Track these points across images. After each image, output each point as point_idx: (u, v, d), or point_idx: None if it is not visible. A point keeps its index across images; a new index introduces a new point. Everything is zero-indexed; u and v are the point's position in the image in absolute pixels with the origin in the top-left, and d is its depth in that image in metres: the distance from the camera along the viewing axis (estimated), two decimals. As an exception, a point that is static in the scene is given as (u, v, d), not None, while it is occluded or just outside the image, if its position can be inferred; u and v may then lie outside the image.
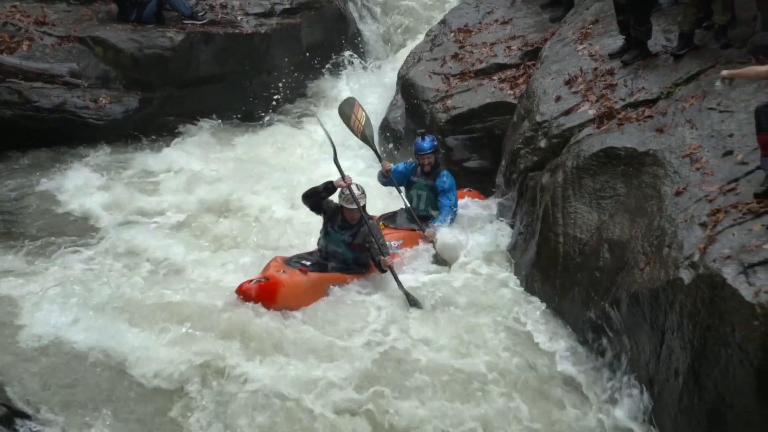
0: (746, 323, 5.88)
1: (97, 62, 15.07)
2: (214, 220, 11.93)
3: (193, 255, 10.80)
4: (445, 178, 11.34)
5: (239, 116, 16.43)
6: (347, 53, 18.13)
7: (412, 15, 19.80)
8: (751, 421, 5.91)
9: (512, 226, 11.01)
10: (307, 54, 17.60)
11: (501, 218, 11.37)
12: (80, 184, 12.87)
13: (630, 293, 7.57)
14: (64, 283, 9.57)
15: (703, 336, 6.33)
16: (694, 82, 9.44)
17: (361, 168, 13.20)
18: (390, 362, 8.25)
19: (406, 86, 14.40)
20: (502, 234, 11.05)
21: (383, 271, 9.81)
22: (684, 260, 6.86)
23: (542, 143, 10.46)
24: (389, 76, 16.57)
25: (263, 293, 8.99)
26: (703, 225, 7.04)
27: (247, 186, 12.79)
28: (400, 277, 9.88)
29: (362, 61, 18.22)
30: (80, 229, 11.62)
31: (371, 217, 10.25)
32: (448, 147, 12.67)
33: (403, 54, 17.19)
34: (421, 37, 16.94)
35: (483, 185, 12.34)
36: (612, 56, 10.93)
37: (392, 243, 10.62)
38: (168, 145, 14.96)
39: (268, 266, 9.51)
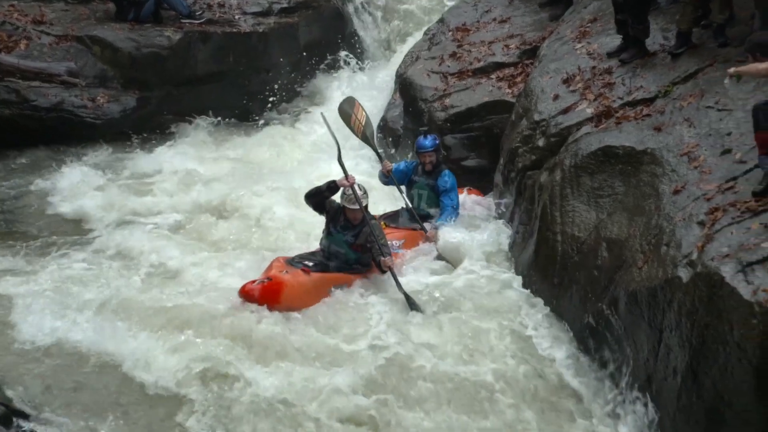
0: (744, 322, 5.88)
1: (95, 61, 15.08)
2: (212, 221, 11.90)
3: (192, 256, 10.74)
4: (447, 178, 11.33)
5: (237, 115, 16.42)
6: (345, 52, 18.13)
7: (412, 17, 19.76)
8: (750, 420, 5.91)
9: (511, 225, 11.00)
10: (305, 53, 17.59)
11: (500, 217, 11.35)
12: (78, 184, 12.88)
13: (628, 292, 7.56)
14: (63, 284, 9.59)
15: (702, 334, 6.32)
16: (692, 81, 9.44)
17: (364, 168, 13.10)
18: (393, 368, 8.13)
19: (404, 85, 14.40)
20: (503, 233, 11.01)
21: (383, 272, 9.77)
22: (682, 259, 6.86)
23: (540, 142, 10.46)
24: (387, 74, 16.56)
25: (267, 294, 8.96)
26: (702, 223, 7.03)
27: (245, 186, 12.76)
28: (402, 278, 9.85)
29: (360, 60, 18.21)
30: (78, 230, 11.64)
31: (373, 217, 10.22)
32: (447, 146, 12.67)
33: (401, 53, 17.18)
34: (419, 36, 16.93)
35: (481, 184, 12.34)
36: (610, 55, 10.92)
37: (394, 243, 10.58)
38: (165, 145, 14.97)
39: (270, 267, 9.47)
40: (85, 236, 11.32)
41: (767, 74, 7.12)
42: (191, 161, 14.14)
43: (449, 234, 10.81)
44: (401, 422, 7.52)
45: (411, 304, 9.39)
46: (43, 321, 8.64)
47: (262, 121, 16.41)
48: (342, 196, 9.83)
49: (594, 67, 10.90)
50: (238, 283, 9.36)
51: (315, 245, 10.37)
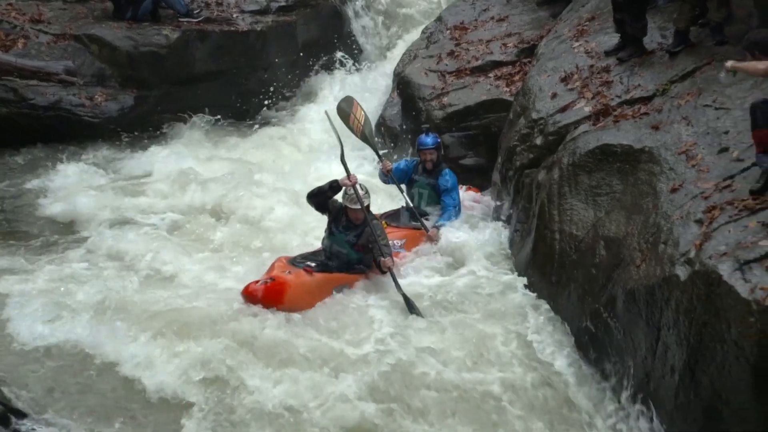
0: (742, 320, 5.88)
1: (93, 60, 15.09)
2: (211, 222, 11.87)
3: (191, 257, 10.68)
4: (448, 177, 11.31)
5: (235, 114, 16.41)
6: (343, 51, 18.12)
7: (412, 20, 19.74)
8: (747, 418, 5.91)
9: (509, 224, 11.00)
10: (303, 52, 17.59)
11: (498, 217, 11.34)
12: (76, 184, 12.87)
13: (626, 290, 7.57)
14: (61, 284, 9.55)
15: (699, 333, 6.33)
16: (690, 79, 9.45)
17: (367, 170, 12.95)
18: (397, 375, 7.96)
19: (402, 84, 14.42)
20: (504, 233, 10.98)
21: (384, 272, 9.71)
22: (680, 257, 6.86)
23: (538, 140, 10.46)
24: (385, 73, 16.55)
25: (270, 294, 8.92)
26: (699, 222, 7.04)
27: (244, 186, 12.68)
28: (402, 278, 9.82)
29: (358, 59, 18.20)
30: (76, 230, 11.60)
31: (375, 217, 10.20)
32: (445, 144, 12.63)
33: (399, 51, 17.17)
34: (416, 35, 16.92)
35: (479, 182, 12.36)
36: (608, 53, 10.92)
37: (395, 242, 10.54)
38: (163, 144, 14.96)
39: (272, 267, 9.44)
40: (83, 236, 11.27)
41: (765, 74, 7.13)
42: (189, 160, 14.08)
43: (451, 234, 10.79)
44: (406, 433, 7.44)
45: (410, 307, 9.31)
46: (40, 321, 8.59)
47: (260, 120, 16.42)
48: (344, 196, 9.78)
49: (592, 66, 10.91)
50: (238, 285, 9.34)
51: (315, 245, 10.36)
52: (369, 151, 12.26)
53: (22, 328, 8.52)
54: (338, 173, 10.14)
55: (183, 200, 12.63)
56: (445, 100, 13.30)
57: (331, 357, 8.31)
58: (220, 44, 16.21)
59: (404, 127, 14.04)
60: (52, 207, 12.12)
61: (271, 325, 8.66)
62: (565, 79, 10.91)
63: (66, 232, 11.46)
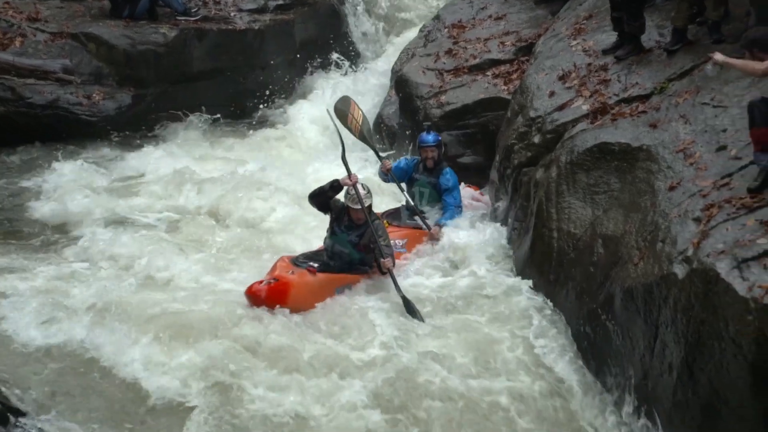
0: (740, 318, 5.88)
1: (90, 58, 15.10)
2: (210, 223, 11.82)
3: (190, 258, 10.58)
4: (449, 176, 11.29)
5: (232, 113, 16.40)
6: (341, 49, 18.12)
7: (410, 23, 19.75)
8: (745, 416, 5.92)
9: (507, 223, 10.98)
10: (301, 50, 17.59)
11: (497, 214, 11.33)
12: (74, 183, 12.76)
13: (624, 288, 7.57)
14: (60, 285, 9.51)
15: (697, 330, 6.33)
16: (688, 78, 9.45)
17: (371, 172, 12.65)
18: (401, 382, 7.84)
19: (399, 82, 14.42)
20: (504, 232, 10.90)
21: (384, 273, 9.66)
22: (678, 255, 6.86)
23: (536, 139, 10.46)
24: (383, 71, 16.54)
25: (274, 294, 8.90)
26: (697, 220, 7.04)
27: (242, 186, 12.62)
28: (404, 278, 9.78)
29: (355, 57, 18.20)
30: (74, 229, 11.49)
31: (377, 216, 10.17)
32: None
33: (396, 49, 17.17)
34: (415, 33, 16.93)
35: (477, 181, 12.35)
36: (605, 52, 10.93)
37: (397, 242, 10.48)
38: (160, 143, 14.97)
39: (275, 267, 9.40)
40: (81, 236, 11.15)
41: (761, 74, 7.13)
42: (186, 160, 14.04)
43: (452, 234, 10.77)
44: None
45: (409, 310, 9.22)
46: (38, 322, 8.56)
47: (257, 119, 16.43)
48: (346, 196, 9.74)
49: (589, 64, 10.91)
50: (237, 287, 9.33)
51: (316, 244, 10.33)
52: (371, 152, 12.24)
53: (20, 328, 8.48)
54: (338, 173, 10.10)
55: (180, 200, 12.59)
56: (443, 98, 13.31)
57: (335, 362, 8.21)
58: (217, 43, 16.21)
59: (402, 125, 14.04)
60: (50, 207, 12.03)
61: (274, 329, 8.57)
62: (562, 78, 10.91)
63: (63, 231, 11.39)
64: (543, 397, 7.88)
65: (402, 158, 12.23)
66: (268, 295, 8.89)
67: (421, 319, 9.13)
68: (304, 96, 17.32)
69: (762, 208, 6.65)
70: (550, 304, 9.18)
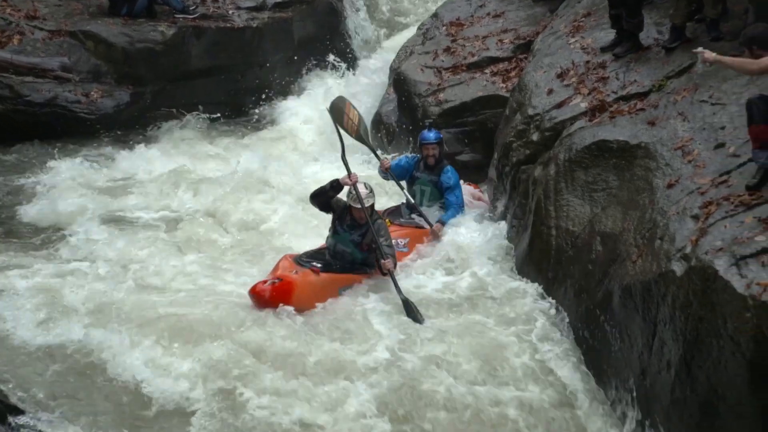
0: (738, 315, 5.88)
1: (89, 56, 15.12)
2: (209, 222, 11.72)
3: (189, 258, 10.50)
4: (450, 174, 11.25)
5: (231, 111, 16.42)
6: (339, 47, 18.11)
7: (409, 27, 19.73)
8: (743, 413, 5.91)
9: (505, 220, 10.96)
10: (299, 48, 17.60)
11: (495, 212, 11.31)
12: (72, 182, 12.76)
13: (622, 286, 7.57)
14: (57, 285, 9.42)
15: (696, 328, 6.33)
16: (686, 75, 9.45)
17: (371, 170, 12.42)
18: (407, 390, 7.72)
19: (398, 80, 14.41)
20: (505, 231, 10.81)
21: (384, 274, 9.57)
22: (676, 252, 6.86)
23: (534, 136, 10.46)
24: (381, 69, 16.53)
25: (277, 294, 8.87)
26: (695, 217, 7.04)
27: (241, 186, 12.56)
28: (406, 279, 9.74)
29: (354, 55, 18.19)
30: (72, 229, 11.30)
31: (379, 216, 10.13)
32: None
33: (395, 47, 17.15)
34: (413, 31, 16.92)
35: (475, 178, 12.34)
36: (604, 49, 10.93)
37: (399, 241, 10.42)
38: (159, 141, 14.97)
39: (278, 266, 9.37)
40: (79, 236, 11.05)
41: (757, 73, 7.13)
42: (184, 158, 14.03)
43: (454, 233, 10.74)
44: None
45: (409, 312, 9.10)
46: (35, 321, 8.50)
47: (256, 117, 16.43)
48: (348, 195, 9.71)
49: (588, 62, 10.91)
50: (238, 289, 9.31)
51: (317, 243, 10.28)
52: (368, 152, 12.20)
53: (17, 327, 8.43)
54: (339, 172, 10.07)
55: (179, 200, 12.56)
56: (441, 96, 13.31)
57: (339, 368, 8.07)
58: (215, 41, 16.23)
59: (401, 123, 14.04)
60: (48, 205, 11.96)
61: (278, 333, 8.47)
62: (561, 75, 10.91)
63: (61, 231, 11.27)
64: (551, 407, 7.72)
65: (402, 156, 12.19)
66: (272, 295, 8.86)
67: (422, 320, 9.03)
68: (302, 94, 17.33)
69: (760, 205, 6.65)
70: (553, 302, 9.11)
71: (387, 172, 11.37)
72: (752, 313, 5.78)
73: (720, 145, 7.84)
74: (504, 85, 13.00)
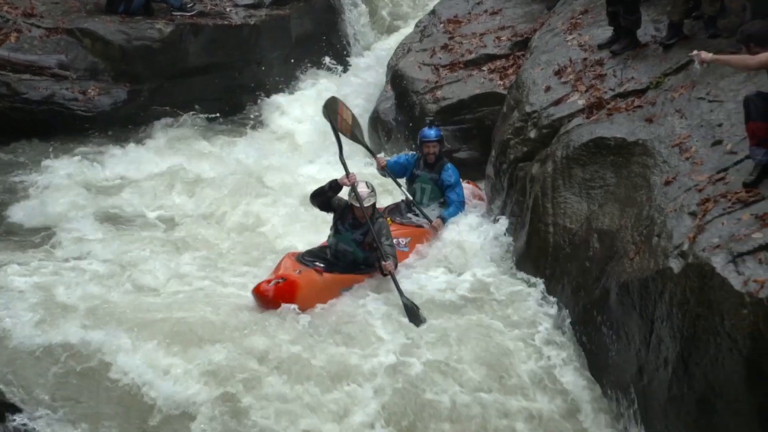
0: (735, 312, 5.88)
1: (86, 54, 15.10)
2: (207, 222, 11.71)
3: (187, 259, 10.39)
4: (451, 172, 11.22)
5: (228, 108, 16.42)
6: (336, 44, 18.10)
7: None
8: (740, 410, 5.92)
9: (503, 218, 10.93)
10: (297, 46, 17.60)
11: (493, 210, 11.30)
12: (69, 180, 12.76)
13: (620, 283, 7.57)
14: (55, 284, 9.34)
15: (693, 325, 6.33)
16: (684, 72, 9.44)
17: (371, 170, 12.24)
18: (410, 397, 7.62)
19: (395, 77, 14.40)
20: (506, 230, 10.67)
21: (385, 275, 9.50)
22: (673, 249, 6.87)
23: (532, 133, 10.45)
24: (379, 67, 16.53)
25: (281, 294, 8.82)
26: (693, 214, 7.04)
27: (239, 185, 12.57)
28: (409, 279, 9.68)
29: (351, 52, 18.18)
30: (70, 228, 11.23)
31: (381, 215, 10.09)
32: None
33: (393, 44, 17.15)
34: (411, 28, 16.91)
35: (473, 176, 12.33)
36: (601, 46, 10.93)
37: (400, 241, 10.37)
38: (156, 139, 14.95)
39: (281, 265, 9.34)
40: (76, 235, 10.99)
41: (756, 68, 7.13)
42: (182, 157, 14.02)
43: (455, 232, 10.71)
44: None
45: (411, 316, 8.99)
46: (33, 321, 8.39)
47: (253, 115, 16.39)
48: (349, 194, 9.67)
49: (585, 59, 10.91)
50: (238, 290, 9.29)
51: (317, 241, 10.23)
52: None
53: (13, 327, 8.31)
54: (337, 168, 10.04)
55: (176, 199, 12.51)
56: (439, 93, 13.30)
57: (344, 373, 7.96)
58: (213, 38, 16.22)
59: (398, 120, 14.03)
60: (45, 204, 11.92)
61: (281, 336, 8.36)
62: (558, 73, 10.91)
63: (58, 230, 11.17)
64: (558, 419, 7.61)
65: (402, 154, 12.17)
66: (276, 295, 8.82)
67: (424, 321, 8.94)
68: (300, 91, 17.33)
69: (757, 202, 6.65)
70: (554, 301, 9.03)
71: (383, 170, 11.36)
72: (749, 310, 5.79)
73: (717, 142, 7.85)
74: (501, 83, 13.00)
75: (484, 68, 13.59)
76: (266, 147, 15.06)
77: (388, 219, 10.62)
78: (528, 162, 10.36)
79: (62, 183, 12.60)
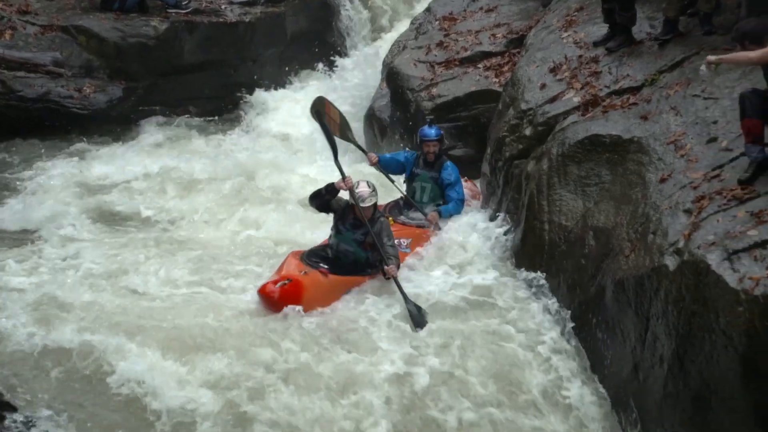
0: (730, 309, 5.90)
1: (81, 51, 15.07)
2: (205, 222, 11.60)
3: (186, 260, 10.18)
4: (450, 170, 11.21)
5: (223, 105, 16.41)
6: (332, 42, 18.08)
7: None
8: (736, 407, 5.94)
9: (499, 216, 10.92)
10: (292, 43, 17.58)
11: (489, 208, 11.28)
12: (65, 177, 12.72)
13: (615, 280, 7.58)
14: (52, 284, 9.20)
15: (688, 322, 6.34)
16: (679, 69, 9.47)
17: (371, 169, 12.08)
18: (417, 412, 7.52)
19: (391, 74, 14.39)
20: (505, 228, 10.61)
21: (388, 279, 9.42)
22: (669, 247, 6.88)
23: (527, 131, 10.45)
24: (374, 64, 16.51)
25: (287, 295, 8.78)
26: (688, 212, 7.06)
27: (237, 185, 12.51)
28: (410, 282, 9.58)
29: (347, 50, 18.16)
30: (65, 227, 11.10)
31: (383, 214, 10.04)
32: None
33: (388, 42, 17.14)
34: (406, 25, 16.90)
35: (468, 173, 12.33)
36: (597, 44, 10.94)
37: (401, 241, 10.31)
38: (151, 136, 14.94)
39: (283, 265, 9.29)
40: (71, 235, 10.89)
41: (757, 62, 7.14)
42: (177, 155, 13.96)
43: (456, 233, 10.68)
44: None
45: (415, 321, 8.86)
46: (27, 323, 8.25)
47: (248, 112, 16.38)
48: (350, 194, 9.61)
49: (581, 56, 10.91)
50: (234, 293, 9.23)
51: (318, 239, 10.19)
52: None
53: (8, 328, 8.18)
54: (332, 168, 9.96)
55: (172, 199, 12.36)
56: (434, 91, 13.29)
57: (350, 382, 7.84)
58: (208, 35, 16.19)
59: (393, 118, 14.01)
60: (40, 203, 11.80)
61: (287, 346, 8.23)
62: (554, 70, 10.91)
63: (53, 229, 10.99)
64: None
65: (401, 151, 12.12)
66: (282, 296, 8.77)
67: (425, 323, 8.85)
68: (295, 88, 17.28)
69: (753, 199, 6.67)
70: (556, 303, 8.94)
71: (375, 166, 11.34)
72: (744, 307, 5.80)
73: (712, 140, 7.86)
74: (497, 80, 12.99)
75: (480, 65, 13.57)
76: (262, 144, 15.04)
77: (390, 218, 10.58)
78: (523, 159, 10.37)
79: (57, 181, 12.55)
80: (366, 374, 7.98)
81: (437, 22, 15.38)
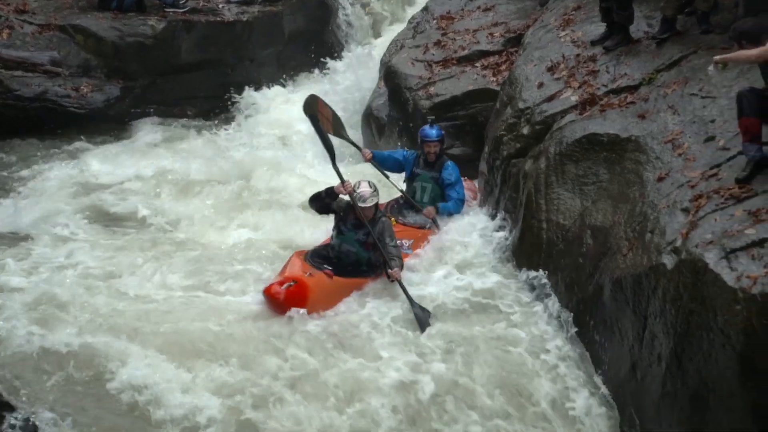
0: (728, 308, 5.90)
1: (78, 50, 15.06)
2: (204, 223, 11.52)
3: (185, 261, 10.14)
4: (451, 170, 11.18)
5: (221, 105, 16.37)
6: (330, 41, 18.08)
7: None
8: (734, 406, 5.94)
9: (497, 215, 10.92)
10: (290, 42, 17.57)
11: (487, 207, 11.28)
12: (62, 177, 12.73)
13: (613, 279, 7.59)
14: (51, 285, 9.11)
15: (686, 321, 6.35)
16: (676, 68, 9.47)
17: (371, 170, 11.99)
18: (423, 423, 7.44)
19: (388, 73, 14.37)
20: (505, 228, 10.57)
21: (392, 281, 9.37)
22: (666, 246, 6.89)
23: (525, 130, 10.46)
24: (372, 63, 16.51)
25: (292, 297, 8.74)
26: (686, 210, 7.06)
27: (236, 185, 12.49)
28: (411, 282, 9.51)
29: (344, 49, 18.15)
30: (61, 228, 11.08)
31: (384, 214, 10.04)
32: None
33: (385, 41, 17.13)
34: (404, 25, 16.90)
35: (466, 172, 12.31)
36: (594, 43, 10.94)
37: (403, 242, 10.29)
38: (149, 136, 14.93)
39: (287, 266, 9.26)
40: (68, 235, 10.85)
41: (756, 60, 7.15)
42: (175, 155, 13.93)
43: (457, 233, 10.65)
44: None
45: (421, 325, 8.82)
46: (26, 324, 8.16)
47: (246, 111, 16.34)
48: (352, 194, 9.58)
49: (578, 55, 10.92)
50: (233, 297, 9.18)
51: (318, 239, 10.18)
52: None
53: (9, 328, 8.12)
54: (331, 170, 9.94)
55: (171, 199, 12.33)
56: (432, 89, 13.28)
57: (356, 391, 7.75)
58: (206, 35, 16.19)
59: (391, 117, 14.01)
60: (38, 202, 11.81)
61: (291, 352, 8.18)
62: (551, 69, 10.91)
63: (49, 229, 10.97)
64: None
65: (399, 149, 12.11)
66: (287, 297, 8.73)
67: (428, 325, 8.83)
68: (292, 88, 17.27)
69: (750, 198, 6.68)
70: (558, 305, 8.86)
71: (370, 162, 11.31)
72: (742, 305, 5.81)
73: (710, 139, 7.87)
74: (494, 79, 12.98)
75: (477, 64, 13.57)
76: (259, 144, 15.01)
77: (393, 220, 10.55)
78: (521, 158, 10.37)
79: (55, 181, 12.58)
80: (371, 381, 7.88)
81: (435, 21, 15.37)
